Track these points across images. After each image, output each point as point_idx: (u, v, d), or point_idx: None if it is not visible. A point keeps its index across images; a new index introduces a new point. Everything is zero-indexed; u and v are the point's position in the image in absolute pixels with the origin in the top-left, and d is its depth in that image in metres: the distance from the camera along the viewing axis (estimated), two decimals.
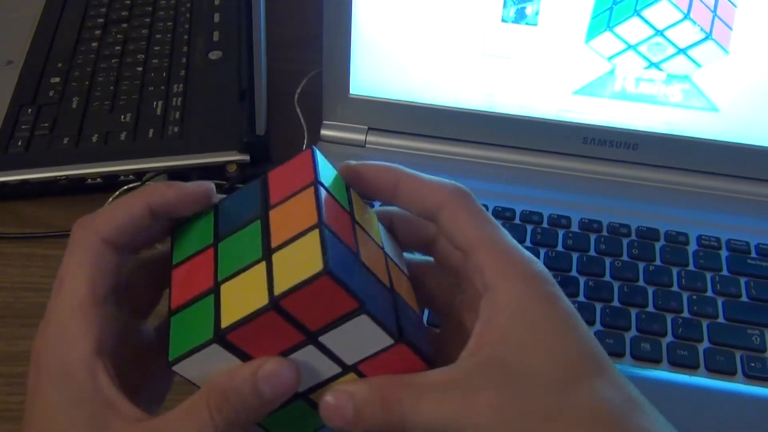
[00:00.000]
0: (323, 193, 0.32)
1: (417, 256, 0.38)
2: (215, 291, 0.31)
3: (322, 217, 0.30)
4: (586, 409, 0.30)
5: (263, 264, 0.31)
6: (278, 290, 0.29)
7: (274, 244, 0.31)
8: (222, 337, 0.30)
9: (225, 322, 0.30)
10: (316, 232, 0.30)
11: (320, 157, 0.34)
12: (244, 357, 0.31)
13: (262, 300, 0.29)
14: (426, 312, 0.42)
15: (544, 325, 0.32)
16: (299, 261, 0.30)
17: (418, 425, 0.31)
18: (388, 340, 0.31)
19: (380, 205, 0.38)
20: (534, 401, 0.30)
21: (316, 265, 0.29)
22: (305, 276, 0.29)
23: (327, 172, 0.34)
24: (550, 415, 0.30)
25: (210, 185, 0.35)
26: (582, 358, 0.32)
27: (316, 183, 0.32)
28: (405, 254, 0.38)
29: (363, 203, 0.36)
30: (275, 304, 0.29)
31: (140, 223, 0.33)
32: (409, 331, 0.32)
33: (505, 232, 0.34)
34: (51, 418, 0.30)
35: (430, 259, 0.38)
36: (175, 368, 0.30)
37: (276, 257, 0.31)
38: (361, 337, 0.31)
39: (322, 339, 0.31)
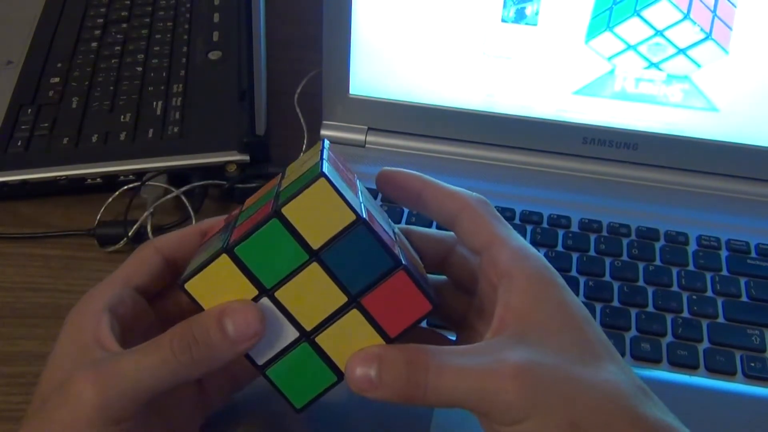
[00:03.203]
0: (328, 156, 0.34)
1: (433, 276, 0.40)
2: (229, 233, 0.34)
3: (323, 157, 0.33)
4: (605, 387, 0.31)
5: (272, 200, 0.33)
6: (280, 201, 0.31)
7: (281, 188, 0.34)
8: (230, 249, 0.32)
9: (233, 238, 0.32)
10: (317, 165, 0.32)
11: (329, 147, 0.36)
12: (252, 278, 0.32)
13: (265, 215, 0.32)
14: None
15: (560, 309, 0.33)
16: (300, 182, 0.32)
17: (441, 392, 0.32)
18: (386, 263, 0.32)
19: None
20: (557, 372, 0.31)
21: (313, 173, 0.31)
22: (303, 184, 0.31)
23: (336, 157, 0.36)
24: (572, 387, 0.31)
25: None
26: (597, 343, 0.33)
27: (322, 151, 0.34)
28: None
29: (378, 205, 0.38)
30: (276, 211, 0.31)
31: (188, 239, 0.39)
32: (410, 264, 0.33)
33: (518, 234, 0.36)
34: (54, 354, 0.35)
35: (444, 277, 0.40)
36: (186, 286, 0.33)
37: (282, 192, 0.33)
38: (361, 257, 0.32)
39: (324, 256, 0.32)
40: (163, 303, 0.39)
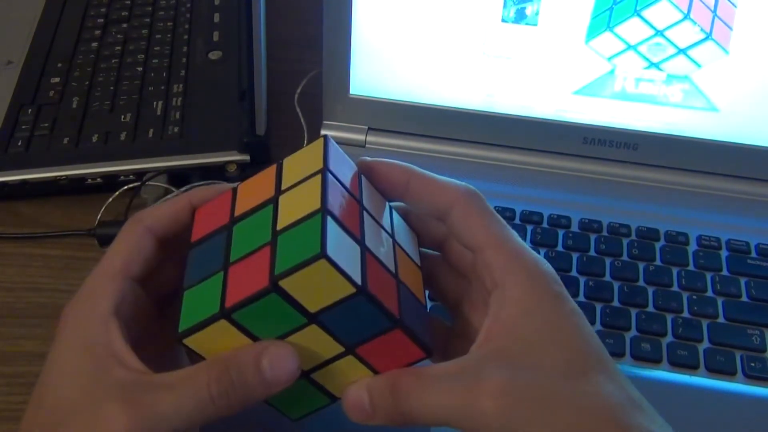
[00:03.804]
0: (330, 179, 0.33)
1: (430, 251, 0.39)
2: (224, 271, 0.33)
3: (326, 203, 0.32)
4: (587, 401, 0.31)
5: (269, 247, 0.32)
6: (278, 271, 0.31)
7: (279, 227, 0.32)
8: (227, 314, 0.31)
9: (230, 302, 0.31)
10: (318, 216, 0.31)
11: (333, 145, 0.35)
12: (249, 335, 0.32)
13: (263, 281, 0.31)
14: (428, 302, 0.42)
15: (550, 321, 0.33)
16: (300, 244, 0.31)
17: (425, 414, 0.32)
18: (384, 324, 0.33)
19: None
20: (537, 390, 0.31)
21: (314, 248, 0.30)
22: (303, 258, 0.30)
23: (338, 160, 0.35)
24: (552, 403, 0.31)
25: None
26: (585, 354, 0.33)
27: (325, 170, 0.33)
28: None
29: (376, 192, 0.37)
30: (274, 284, 0.30)
31: (180, 216, 0.36)
32: (408, 318, 0.33)
33: (514, 232, 0.35)
34: (60, 362, 0.33)
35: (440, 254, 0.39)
36: (184, 341, 0.32)
37: (280, 240, 0.32)
38: (360, 318, 0.32)
39: (323, 319, 0.32)
40: (156, 283, 0.37)
